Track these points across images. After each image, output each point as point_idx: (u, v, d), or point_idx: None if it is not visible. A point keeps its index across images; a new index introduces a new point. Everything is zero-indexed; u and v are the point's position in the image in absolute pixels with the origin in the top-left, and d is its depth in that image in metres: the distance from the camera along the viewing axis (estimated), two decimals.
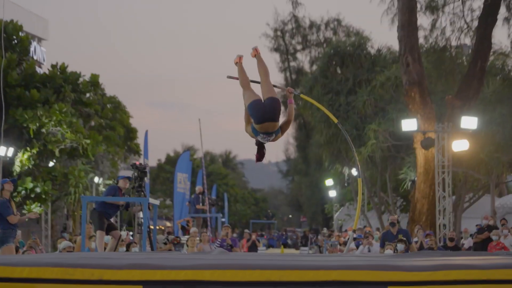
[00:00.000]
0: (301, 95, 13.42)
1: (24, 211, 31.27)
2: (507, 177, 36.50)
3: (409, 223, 25.33)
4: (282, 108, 11.47)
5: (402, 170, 34.13)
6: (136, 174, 21.45)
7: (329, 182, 51.98)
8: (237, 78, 10.68)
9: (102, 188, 41.44)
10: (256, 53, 10.76)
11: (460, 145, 24.35)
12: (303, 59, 64.19)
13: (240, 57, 10.83)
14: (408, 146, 29.56)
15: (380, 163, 34.60)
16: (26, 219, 19.48)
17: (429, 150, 24.01)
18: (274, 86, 10.92)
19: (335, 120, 13.44)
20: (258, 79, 10.43)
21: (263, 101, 10.12)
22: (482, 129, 25.91)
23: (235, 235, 32.78)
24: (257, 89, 10.31)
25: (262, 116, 10.11)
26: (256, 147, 10.68)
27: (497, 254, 14.62)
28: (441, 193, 24.21)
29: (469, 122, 23.92)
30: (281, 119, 10.31)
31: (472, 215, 34.01)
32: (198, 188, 32.03)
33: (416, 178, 25.36)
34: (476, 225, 26.05)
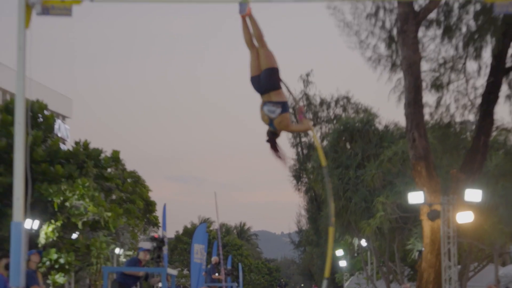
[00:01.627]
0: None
1: (48, 281, 31.19)
2: (510, 247, 36.28)
3: None
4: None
5: (409, 240, 33.96)
6: (154, 245, 21.42)
7: (339, 252, 51.78)
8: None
9: (122, 259, 41.35)
10: (249, 13, 9.98)
11: (464, 217, 24.26)
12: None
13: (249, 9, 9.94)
14: (415, 217, 29.44)
15: (388, 234, 34.46)
16: None
17: (435, 221, 23.91)
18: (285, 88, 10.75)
19: (323, 164, 13.07)
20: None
21: (259, 75, 9.98)
22: (485, 202, 25.81)
23: None
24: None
25: (260, 89, 10.06)
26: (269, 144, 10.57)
27: None
28: (447, 262, 24.05)
29: (473, 194, 23.87)
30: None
31: (477, 284, 33.74)
32: (214, 259, 31.94)
33: (423, 249, 25.20)
34: None
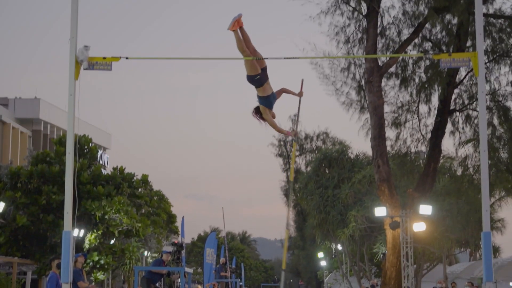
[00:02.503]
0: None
1: (91, 278, 31.02)
2: (455, 250, 36.15)
3: (381, 286, 24.99)
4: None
5: (375, 245, 33.88)
6: (175, 249, 21.35)
7: (320, 254, 51.59)
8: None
9: (150, 260, 41.09)
10: (236, 28, 9.86)
11: (419, 227, 24.19)
12: (300, 162, 64.28)
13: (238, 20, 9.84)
14: (380, 227, 29.36)
15: (359, 240, 34.35)
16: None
17: (396, 230, 23.81)
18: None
19: (291, 179, 12.99)
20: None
21: (256, 74, 10.10)
22: (435, 215, 25.74)
23: None
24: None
25: (257, 84, 10.25)
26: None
27: None
28: (406, 263, 23.93)
29: (425, 209, 23.81)
30: None
31: (429, 280, 33.60)
32: (222, 260, 31.82)
33: (386, 252, 25.09)
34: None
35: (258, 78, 10.12)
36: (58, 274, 13.66)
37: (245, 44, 9.98)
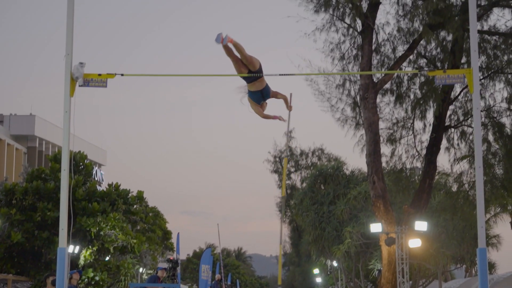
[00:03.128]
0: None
1: None
2: (451, 266, 36.11)
3: None
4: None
5: (371, 261, 33.83)
6: (170, 266, 21.30)
7: (316, 271, 51.55)
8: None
9: (145, 277, 40.95)
10: (226, 43, 10.00)
11: (414, 243, 24.16)
12: (296, 179, 64.28)
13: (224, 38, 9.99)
14: (375, 243, 29.33)
15: (354, 256, 34.29)
16: None
17: (391, 246, 23.78)
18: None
19: (283, 194, 12.83)
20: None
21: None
22: (431, 231, 25.74)
23: None
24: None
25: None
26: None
27: None
28: (401, 279, 23.88)
29: (421, 225, 23.80)
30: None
31: None
32: (217, 276, 31.76)
33: (382, 268, 25.05)
34: None
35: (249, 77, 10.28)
36: None
37: (238, 56, 10.16)
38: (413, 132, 25.37)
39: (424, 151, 25.02)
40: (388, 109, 25.46)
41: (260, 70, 10.33)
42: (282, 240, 12.70)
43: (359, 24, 23.84)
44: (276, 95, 10.79)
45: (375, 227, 23.88)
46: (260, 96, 10.55)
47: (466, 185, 25.41)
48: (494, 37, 23.70)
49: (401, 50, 24.35)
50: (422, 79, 24.39)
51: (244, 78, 10.39)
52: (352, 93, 25.57)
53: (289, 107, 11.29)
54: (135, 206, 36.07)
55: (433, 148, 24.53)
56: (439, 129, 24.40)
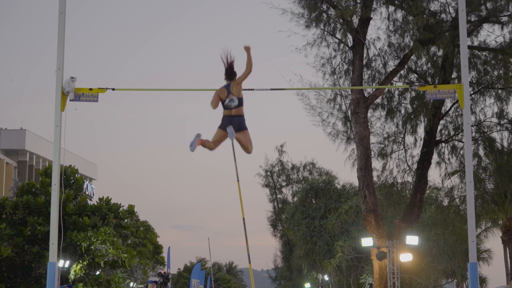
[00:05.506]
0: None
1: None
2: (442, 281, 36.11)
3: None
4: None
5: (362, 276, 33.80)
6: (161, 280, 21.25)
7: (307, 285, 51.39)
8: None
9: None
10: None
11: (405, 257, 24.18)
12: (287, 193, 64.30)
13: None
14: (366, 257, 29.35)
15: (345, 270, 34.29)
16: None
17: (382, 260, 23.79)
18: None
19: (243, 216, 12.22)
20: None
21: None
22: (422, 245, 25.77)
23: None
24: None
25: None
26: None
27: None
28: None
29: (412, 239, 23.81)
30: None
31: None
32: None
33: (373, 282, 25.03)
34: None
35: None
36: None
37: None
38: (404, 147, 25.42)
39: (415, 166, 25.07)
40: (379, 123, 25.54)
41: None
42: (248, 256, 12.44)
43: (350, 39, 23.94)
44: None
45: (366, 241, 23.88)
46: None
47: (457, 200, 25.46)
48: (484, 53, 23.83)
49: (392, 65, 24.46)
50: (413, 94, 24.48)
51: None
52: (343, 107, 25.64)
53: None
54: (126, 220, 35.98)
55: (424, 162, 24.60)
56: (430, 143, 24.47)
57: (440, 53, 23.60)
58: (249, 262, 13.21)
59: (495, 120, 24.36)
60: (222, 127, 10.15)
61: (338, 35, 24.19)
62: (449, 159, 25.13)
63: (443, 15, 23.47)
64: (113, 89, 10.06)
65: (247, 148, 10.21)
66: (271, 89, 10.63)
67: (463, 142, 23.83)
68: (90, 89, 9.96)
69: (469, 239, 10.28)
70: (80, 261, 30.98)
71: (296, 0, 23.83)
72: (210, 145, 10.17)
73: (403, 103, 25.14)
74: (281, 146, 64.67)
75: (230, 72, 10.17)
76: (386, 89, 24.62)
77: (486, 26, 23.71)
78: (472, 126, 22.97)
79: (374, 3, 23.74)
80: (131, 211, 36.27)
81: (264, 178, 64.95)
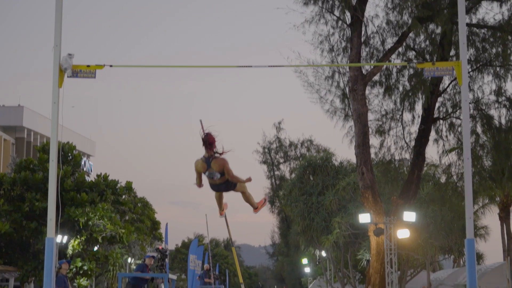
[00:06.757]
0: None
1: (74, 284, 30.89)
2: (439, 257, 36.27)
3: None
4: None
5: (359, 252, 33.93)
6: (159, 256, 21.32)
7: (304, 261, 51.66)
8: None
9: (133, 266, 40.98)
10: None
11: (403, 233, 24.26)
12: (285, 169, 64.40)
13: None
14: (364, 234, 29.45)
15: (343, 246, 34.42)
16: None
17: (379, 237, 23.88)
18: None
19: (222, 213, 11.90)
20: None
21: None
22: (419, 221, 25.85)
23: None
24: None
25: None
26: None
27: None
28: (389, 269, 24.00)
29: (409, 216, 23.88)
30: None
31: (413, 286, 33.69)
32: (206, 266, 31.74)
33: (370, 258, 25.15)
34: None
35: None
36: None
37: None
38: (402, 124, 25.43)
39: (412, 143, 25.10)
40: (377, 101, 25.54)
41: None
42: (231, 242, 12.57)
43: (348, 16, 23.87)
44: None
45: (364, 218, 23.97)
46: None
47: (455, 177, 25.51)
48: (482, 30, 23.76)
49: (390, 42, 24.40)
50: (411, 71, 24.44)
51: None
52: (341, 85, 25.63)
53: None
54: (123, 196, 36.07)
55: (421, 139, 24.62)
56: (427, 121, 24.48)
57: (439, 30, 23.53)
58: (232, 245, 13.31)
59: (493, 97, 24.35)
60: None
61: (336, 12, 24.12)
62: (446, 136, 25.16)
63: None
64: (111, 66, 10.03)
65: (238, 181, 10.03)
66: (269, 66, 10.59)
67: (461, 119, 23.83)
68: (88, 65, 9.93)
69: (466, 216, 10.32)
70: (78, 237, 31.09)
71: None
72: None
73: (401, 80, 25.12)
74: (279, 123, 64.66)
75: (206, 144, 9.85)
76: (384, 66, 24.58)
77: (484, 3, 23.65)
78: (470, 103, 22.95)
79: None
80: (128, 187, 36.33)
81: (262, 155, 65.02)
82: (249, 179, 9.96)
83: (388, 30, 24.34)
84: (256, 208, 10.71)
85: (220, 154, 9.89)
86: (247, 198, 10.50)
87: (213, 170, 9.85)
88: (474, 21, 23.72)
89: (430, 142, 24.95)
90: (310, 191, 36.78)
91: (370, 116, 24.83)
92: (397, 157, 25.98)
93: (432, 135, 24.99)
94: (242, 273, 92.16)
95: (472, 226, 10.23)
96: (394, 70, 25.03)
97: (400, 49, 24.38)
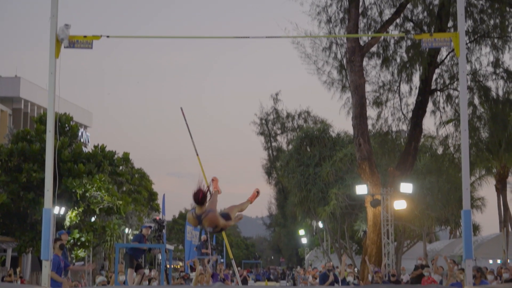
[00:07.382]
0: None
1: (72, 255, 31.03)
2: (435, 228, 36.42)
3: (362, 263, 25.20)
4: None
5: (356, 223, 34.04)
6: (156, 226, 21.40)
7: (301, 232, 51.88)
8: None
9: (131, 237, 41.11)
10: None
11: (399, 205, 24.34)
12: (282, 141, 64.36)
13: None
14: (361, 205, 29.51)
15: (339, 217, 34.50)
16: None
17: (376, 208, 23.96)
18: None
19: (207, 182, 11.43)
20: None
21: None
22: (416, 193, 25.91)
23: (230, 272, 32.42)
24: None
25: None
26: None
27: (428, 287, 14.41)
28: (386, 240, 24.11)
29: (406, 187, 23.94)
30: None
31: (410, 257, 33.83)
32: (203, 237, 31.85)
33: (367, 229, 25.25)
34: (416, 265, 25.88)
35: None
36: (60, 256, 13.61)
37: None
38: (399, 95, 25.43)
39: (410, 114, 25.11)
40: (374, 72, 25.50)
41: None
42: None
43: None
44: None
45: (361, 189, 24.03)
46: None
47: (452, 148, 25.56)
48: (480, 1, 23.67)
49: (387, 13, 24.31)
50: (409, 42, 24.38)
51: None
52: (339, 56, 25.56)
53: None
54: (121, 167, 36.12)
55: (419, 111, 24.62)
56: (425, 92, 24.47)
57: (436, 1, 23.44)
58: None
59: (490, 69, 24.33)
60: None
61: None
62: (444, 107, 25.17)
63: None
64: (108, 36, 10.00)
65: (234, 222, 9.80)
66: (266, 37, 10.58)
67: (458, 91, 23.82)
68: (85, 36, 9.91)
69: (463, 187, 10.37)
70: (76, 208, 31.20)
71: None
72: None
73: (399, 51, 25.06)
74: (276, 94, 64.50)
75: (197, 202, 9.39)
76: (382, 37, 24.51)
77: None
78: (467, 75, 22.93)
79: None
80: (126, 158, 36.38)
81: (259, 126, 64.96)
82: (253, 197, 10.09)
83: (386, 1, 24.26)
84: (250, 202, 10.49)
85: (211, 195, 9.59)
86: (241, 208, 10.24)
87: (205, 226, 9.46)
88: None
89: (427, 114, 24.98)
90: (307, 162, 36.81)
91: (368, 88, 24.83)
92: (394, 129, 26.02)
93: (430, 106, 25.02)
94: (239, 244, 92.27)
95: (468, 197, 10.29)
96: (392, 41, 24.96)
97: (397, 20, 24.30)
